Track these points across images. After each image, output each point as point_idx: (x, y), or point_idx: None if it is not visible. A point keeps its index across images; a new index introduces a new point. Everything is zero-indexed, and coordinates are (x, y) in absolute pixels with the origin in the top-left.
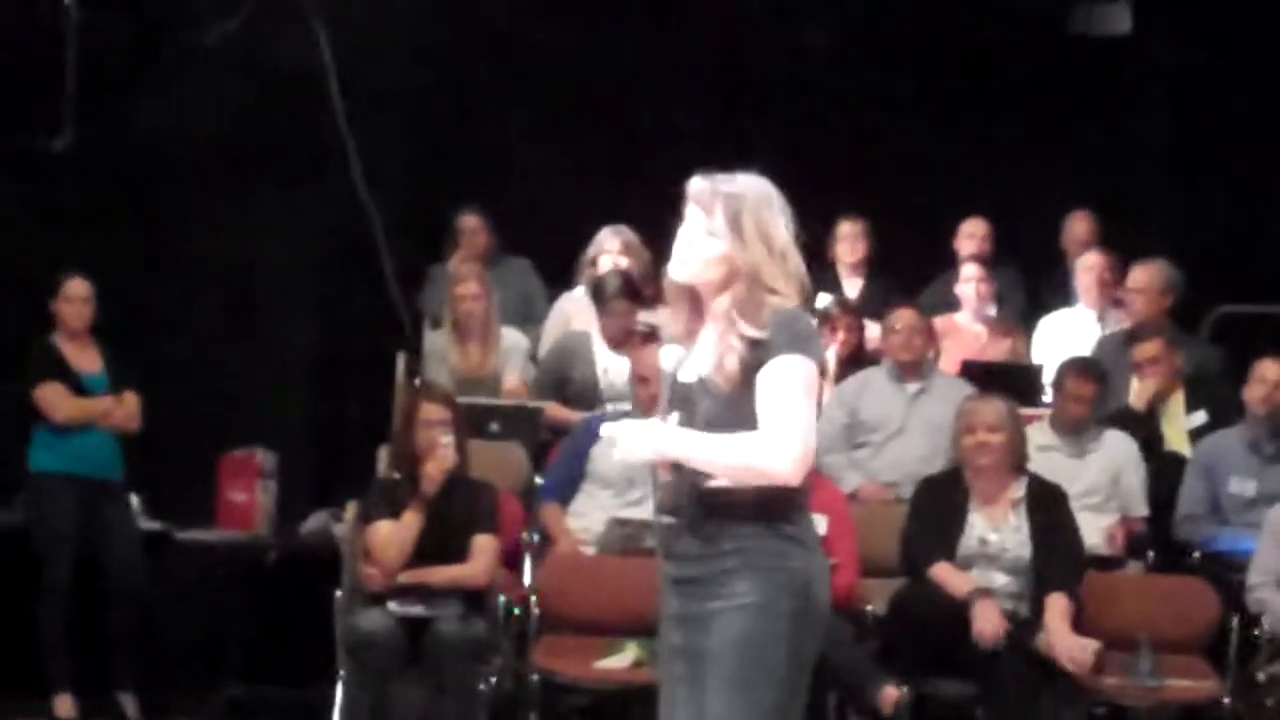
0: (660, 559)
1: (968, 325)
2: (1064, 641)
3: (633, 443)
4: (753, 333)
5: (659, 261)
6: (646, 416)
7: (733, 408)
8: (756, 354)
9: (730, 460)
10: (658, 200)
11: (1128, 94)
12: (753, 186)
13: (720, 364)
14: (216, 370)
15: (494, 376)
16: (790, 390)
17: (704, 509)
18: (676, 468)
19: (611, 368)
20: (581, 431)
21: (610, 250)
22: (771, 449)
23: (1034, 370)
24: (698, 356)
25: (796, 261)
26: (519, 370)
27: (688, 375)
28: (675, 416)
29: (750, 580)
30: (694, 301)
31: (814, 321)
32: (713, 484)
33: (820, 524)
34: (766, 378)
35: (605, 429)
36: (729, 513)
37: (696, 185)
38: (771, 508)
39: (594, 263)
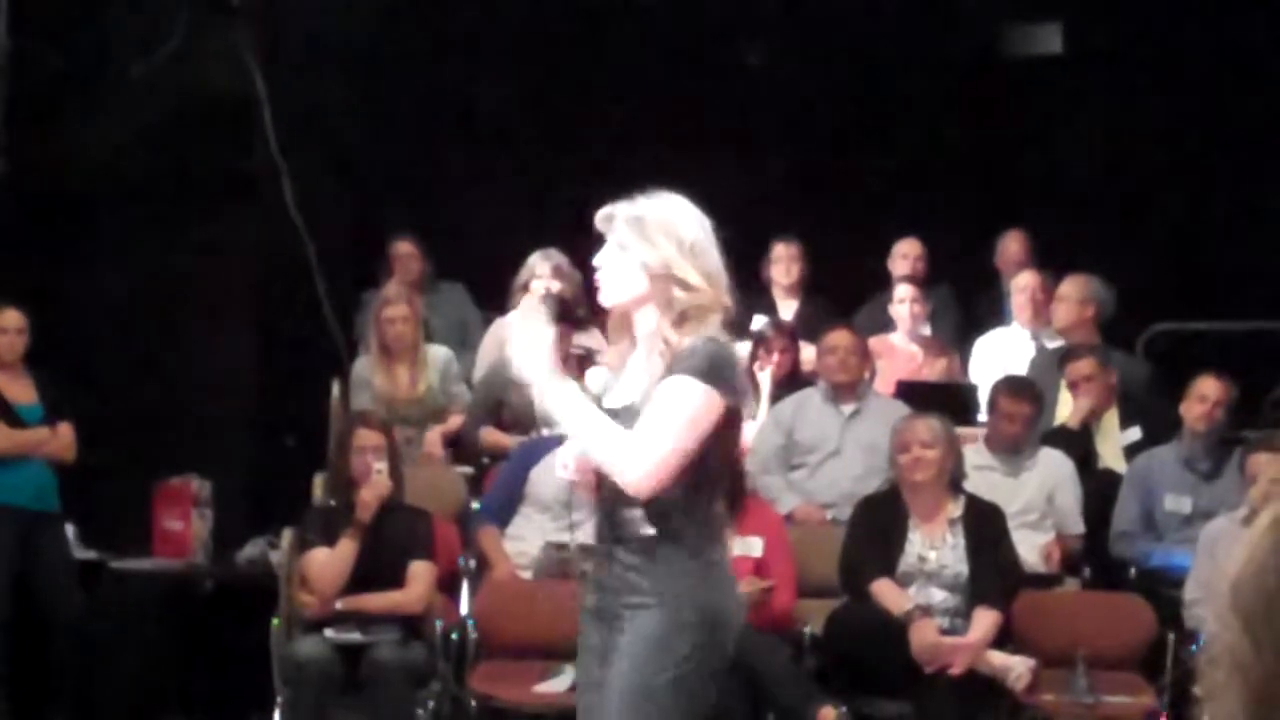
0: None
1: (903, 345)
2: (991, 658)
3: (525, 355)
4: (673, 336)
5: (590, 284)
6: None
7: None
8: (664, 373)
9: (594, 443)
10: (588, 224)
11: (1060, 114)
12: (654, 200)
13: (649, 387)
14: (151, 399)
15: (424, 398)
16: (676, 412)
17: (620, 538)
18: (600, 495)
19: None
20: (519, 455)
21: (542, 275)
22: (631, 456)
23: (969, 389)
24: (625, 382)
25: (713, 259)
26: (461, 403)
27: (614, 401)
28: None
29: (654, 617)
30: (631, 329)
31: (737, 359)
32: (630, 513)
33: (756, 545)
34: (661, 390)
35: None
36: (643, 544)
37: (600, 214)
38: (686, 540)
39: (526, 287)
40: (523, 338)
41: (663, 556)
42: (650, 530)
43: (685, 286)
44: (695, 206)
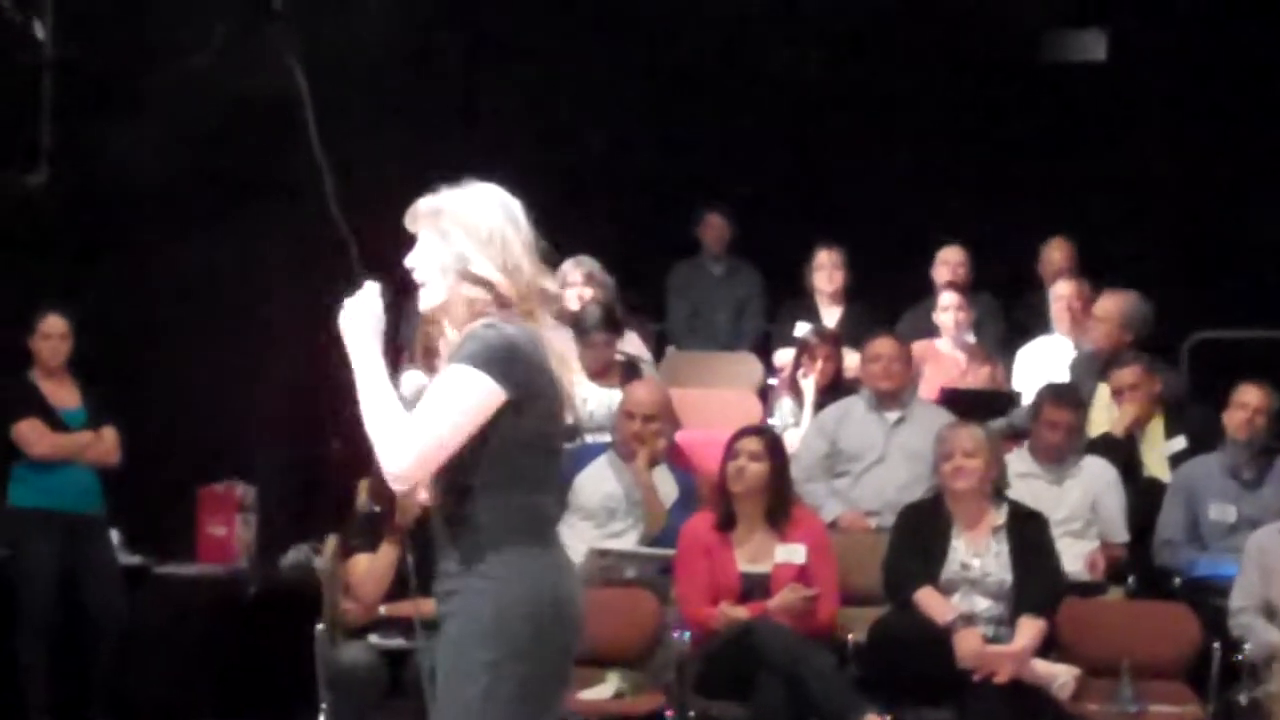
0: None
1: (948, 351)
2: (1035, 666)
3: (350, 322)
4: (454, 336)
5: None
6: (629, 450)
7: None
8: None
9: (372, 418)
10: (629, 227)
11: (1103, 120)
12: (459, 192)
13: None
14: (195, 404)
15: None
16: (441, 400)
17: (446, 527)
18: (437, 487)
19: (591, 398)
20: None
21: (574, 282)
22: (390, 443)
23: (1012, 397)
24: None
25: (514, 251)
26: None
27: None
28: None
29: (454, 624)
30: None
31: (511, 337)
32: (441, 511)
33: (800, 553)
34: (436, 381)
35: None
36: (448, 543)
37: (406, 216)
38: (486, 537)
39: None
40: (354, 307)
41: (463, 557)
42: (449, 527)
43: (481, 282)
44: (502, 192)
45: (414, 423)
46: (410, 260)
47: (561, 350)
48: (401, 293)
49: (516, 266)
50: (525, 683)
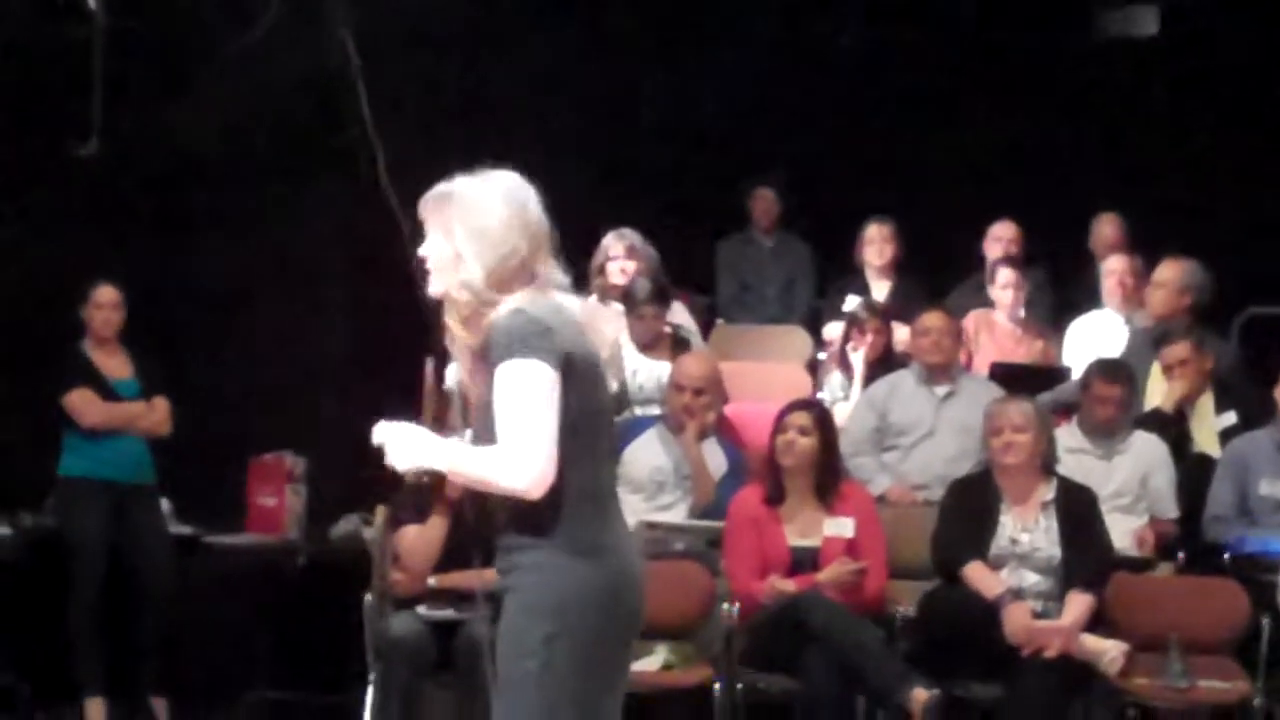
0: None
1: (1004, 323)
2: (1084, 641)
3: (399, 450)
4: (469, 341)
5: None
6: (678, 423)
7: (481, 420)
8: (485, 362)
9: (474, 473)
10: (679, 201)
11: (1156, 95)
12: (468, 180)
13: (465, 377)
14: (246, 374)
15: None
16: (513, 398)
17: (504, 501)
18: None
19: (641, 371)
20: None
21: (616, 255)
22: (506, 464)
23: (1063, 371)
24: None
25: (511, 245)
26: None
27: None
28: (469, 433)
29: (510, 606)
30: None
31: (534, 313)
32: (493, 501)
33: (849, 527)
34: (496, 388)
35: (377, 430)
36: (505, 530)
37: (420, 203)
38: (540, 522)
39: (602, 270)
40: (396, 441)
41: (518, 543)
42: (508, 502)
43: (466, 282)
44: (512, 180)
45: (514, 437)
46: (424, 250)
47: (592, 320)
48: None
49: (504, 264)
50: (583, 657)
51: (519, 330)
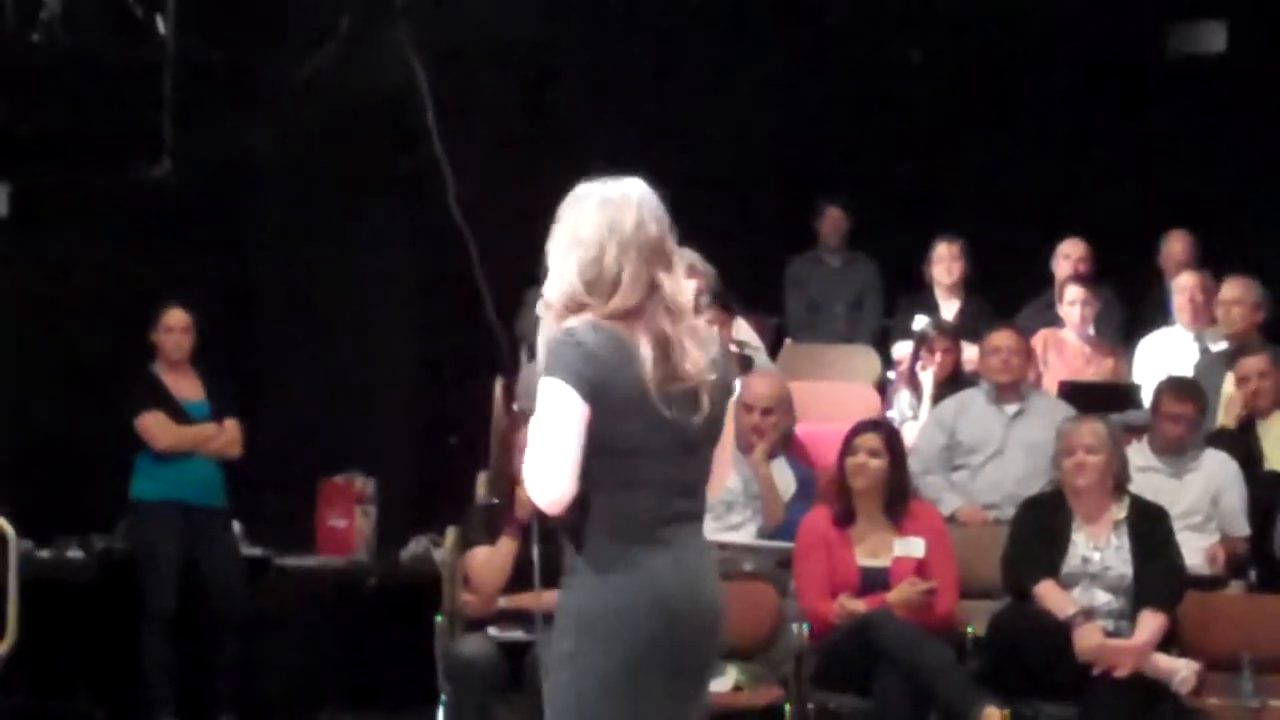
0: None
1: (1073, 341)
2: (1156, 660)
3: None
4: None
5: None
6: (747, 443)
7: None
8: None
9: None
10: (748, 220)
11: (1223, 112)
12: (591, 188)
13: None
14: (316, 396)
15: None
16: (542, 416)
17: (560, 526)
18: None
19: None
20: None
21: None
22: (531, 478)
23: (1132, 389)
24: None
25: (594, 254)
26: None
27: None
28: None
29: (558, 613)
30: None
31: (581, 338)
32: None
33: (919, 546)
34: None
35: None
36: (567, 536)
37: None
38: (580, 541)
39: None
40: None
41: (569, 555)
42: (561, 527)
43: (566, 286)
44: (629, 192)
45: (533, 450)
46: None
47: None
48: (525, 286)
49: (611, 272)
50: (609, 680)
51: (560, 350)
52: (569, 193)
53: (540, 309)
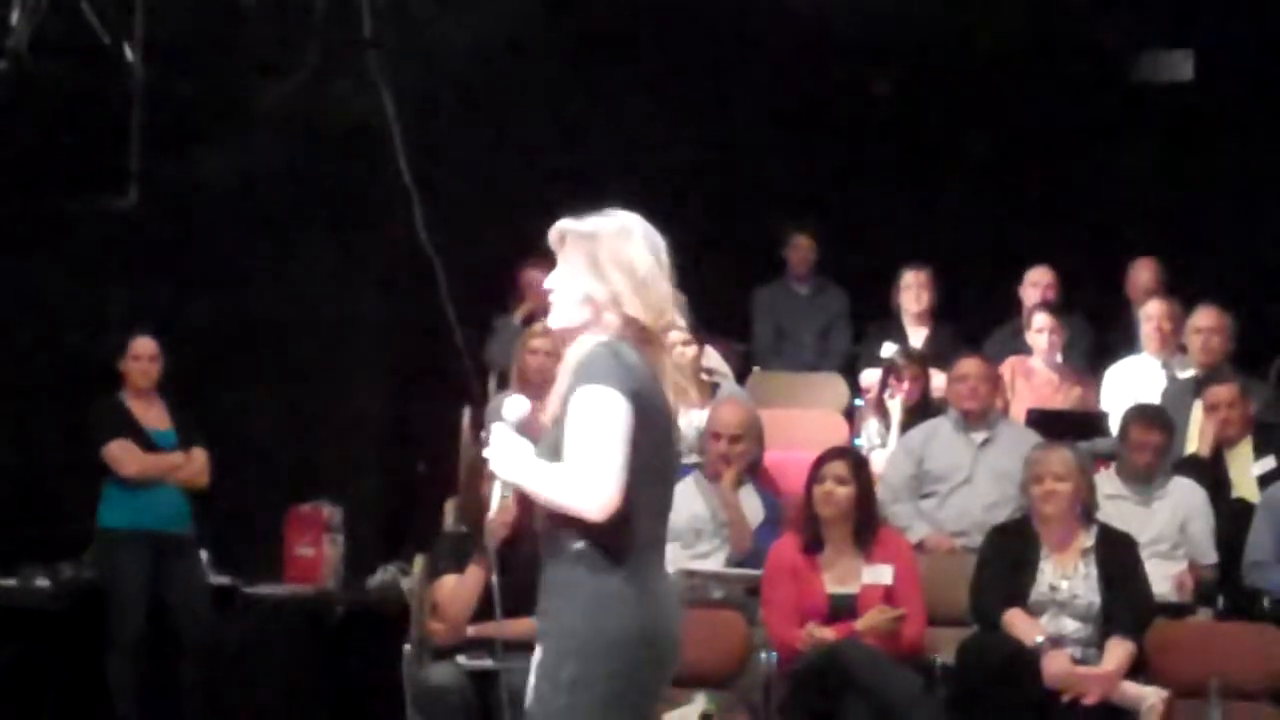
0: None
1: (1041, 369)
2: (1124, 688)
3: (497, 457)
4: (574, 359)
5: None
6: (715, 471)
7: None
8: (567, 385)
9: (546, 490)
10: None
11: (1191, 140)
12: (605, 222)
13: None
14: (282, 425)
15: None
16: (588, 423)
17: (546, 547)
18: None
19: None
20: None
21: None
22: (577, 486)
23: (1100, 417)
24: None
25: (662, 288)
26: None
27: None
28: None
29: (547, 646)
30: None
31: (618, 350)
32: (545, 537)
33: (887, 574)
34: (570, 412)
35: (493, 430)
36: (548, 569)
37: (552, 232)
38: (585, 563)
39: None
40: (500, 449)
41: (560, 581)
42: (550, 554)
43: (629, 321)
44: (649, 227)
45: (579, 457)
46: (552, 281)
47: (676, 376)
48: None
49: (655, 305)
50: (615, 703)
51: (602, 359)
52: (545, 223)
53: (575, 327)
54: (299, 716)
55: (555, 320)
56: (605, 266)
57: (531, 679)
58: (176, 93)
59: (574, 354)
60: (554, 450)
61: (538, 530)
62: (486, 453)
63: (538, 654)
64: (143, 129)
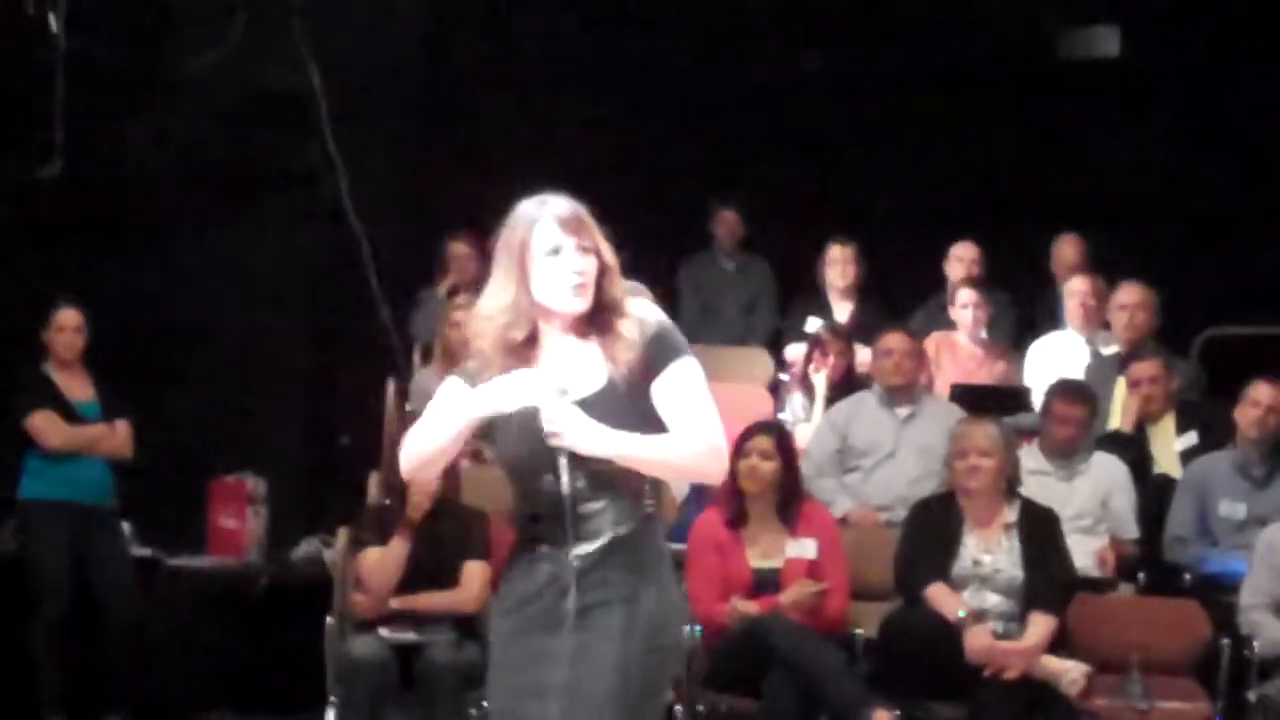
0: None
1: (966, 344)
2: (1045, 662)
3: (573, 431)
4: (642, 325)
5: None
6: None
7: (639, 410)
8: (649, 351)
9: (672, 459)
10: (642, 222)
11: (1116, 117)
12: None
13: (629, 364)
14: (206, 397)
15: None
16: (701, 390)
17: (586, 534)
18: (558, 491)
19: None
20: None
21: None
22: (709, 452)
23: (1023, 392)
24: (563, 377)
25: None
26: None
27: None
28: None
29: (624, 612)
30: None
31: None
32: (596, 507)
33: (810, 548)
34: (677, 380)
35: (545, 413)
36: (615, 539)
37: (563, 212)
38: (647, 531)
39: None
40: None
41: (631, 552)
42: (622, 525)
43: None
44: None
45: (702, 423)
46: (585, 264)
47: None
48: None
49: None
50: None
51: (676, 330)
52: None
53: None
54: (222, 688)
55: (578, 303)
56: (603, 243)
57: (596, 647)
58: (101, 62)
59: (642, 323)
60: (637, 408)
61: (588, 494)
62: (553, 429)
63: (615, 619)
64: (67, 99)
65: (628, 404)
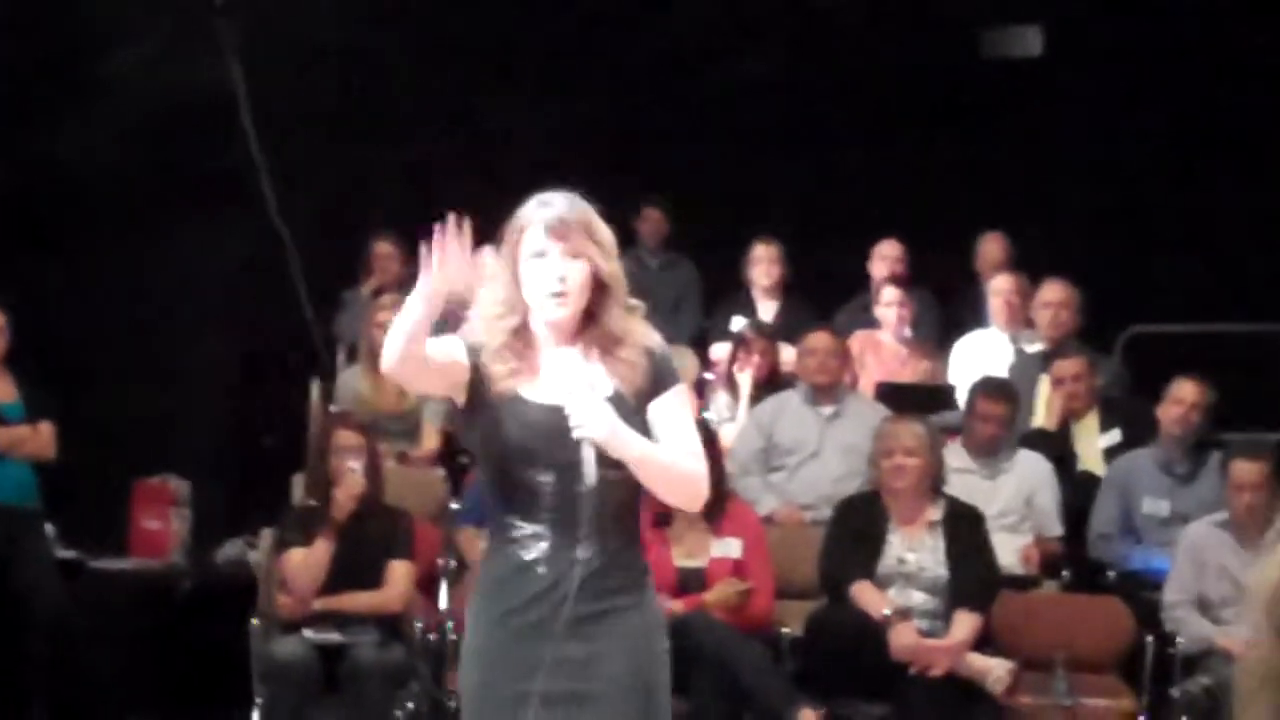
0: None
1: (890, 343)
2: (970, 660)
3: (593, 420)
4: (646, 346)
5: None
6: None
7: (636, 427)
8: (651, 372)
9: (676, 468)
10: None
11: (1039, 116)
12: (581, 201)
13: (633, 381)
14: (129, 398)
15: (410, 415)
16: (691, 419)
17: (597, 544)
18: (576, 500)
19: None
20: None
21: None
22: (703, 475)
23: (948, 391)
24: (559, 385)
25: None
26: (438, 427)
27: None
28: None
29: (638, 618)
30: (525, 340)
31: None
32: (606, 516)
33: (735, 547)
34: (675, 405)
35: (566, 402)
36: (621, 548)
37: (553, 216)
38: (639, 540)
39: None
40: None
41: (631, 558)
42: (625, 533)
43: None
44: None
45: (694, 445)
46: (567, 270)
47: None
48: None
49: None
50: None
51: (672, 356)
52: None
53: (573, 315)
54: (146, 690)
55: (560, 311)
56: (606, 245)
57: (614, 654)
58: (22, 62)
59: (647, 348)
60: (636, 424)
61: (603, 506)
62: (578, 417)
63: (624, 629)
64: None
65: (631, 417)
